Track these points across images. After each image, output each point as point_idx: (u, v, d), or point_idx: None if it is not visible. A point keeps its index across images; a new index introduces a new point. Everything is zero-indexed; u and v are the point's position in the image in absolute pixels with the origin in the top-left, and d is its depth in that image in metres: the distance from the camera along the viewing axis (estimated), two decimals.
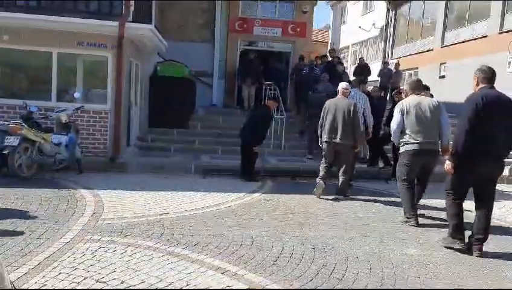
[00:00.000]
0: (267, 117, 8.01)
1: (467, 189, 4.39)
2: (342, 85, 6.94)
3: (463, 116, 4.19)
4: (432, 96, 6.78)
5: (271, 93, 11.50)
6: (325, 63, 12.88)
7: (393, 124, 5.44)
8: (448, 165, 4.30)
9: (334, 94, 7.33)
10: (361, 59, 15.68)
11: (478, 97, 4.16)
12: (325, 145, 6.70)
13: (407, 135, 5.28)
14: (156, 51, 11.16)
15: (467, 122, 4.09)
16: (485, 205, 4.32)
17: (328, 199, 6.50)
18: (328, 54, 14.43)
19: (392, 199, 6.58)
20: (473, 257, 4.28)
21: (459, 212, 4.42)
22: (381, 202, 6.55)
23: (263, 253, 4.07)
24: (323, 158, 6.81)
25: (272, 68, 13.39)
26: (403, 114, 5.32)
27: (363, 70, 14.43)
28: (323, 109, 6.76)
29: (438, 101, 5.47)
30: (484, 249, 4.34)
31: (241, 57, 13.99)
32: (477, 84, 4.33)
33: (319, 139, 6.89)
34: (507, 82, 12.60)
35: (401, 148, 5.44)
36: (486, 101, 4.10)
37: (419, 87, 5.66)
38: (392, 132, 5.55)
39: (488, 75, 4.28)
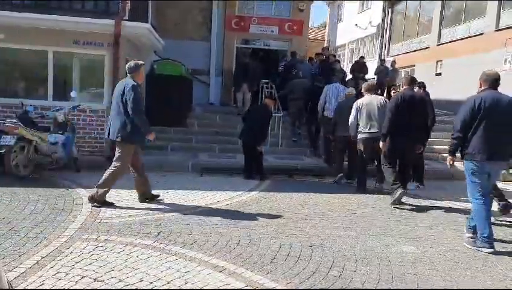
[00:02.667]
0: (269, 116, 8.04)
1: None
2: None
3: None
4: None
5: (267, 91, 11.53)
6: (319, 60, 12.90)
7: (351, 118, 6.88)
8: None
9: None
10: (361, 57, 15.69)
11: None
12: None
13: (361, 127, 6.75)
14: (152, 50, 11.15)
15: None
16: None
17: (325, 197, 6.52)
18: (322, 52, 14.45)
19: (389, 197, 6.58)
20: (470, 255, 4.31)
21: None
22: (378, 199, 6.57)
23: (261, 251, 4.08)
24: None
25: (268, 66, 13.40)
26: (357, 110, 6.77)
27: (361, 68, 14.46)
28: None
29: (385, 100, 6.92)
30: (484, 248, 4.35)
31: (237, 61, 13.59)
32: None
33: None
34: (503, 79, 12.67)
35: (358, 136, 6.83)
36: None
37: (372, 89, 7.09)
38: (349, 124, 6.92)
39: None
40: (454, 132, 4.54)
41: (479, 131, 4.38)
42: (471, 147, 4.43)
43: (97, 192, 5.35)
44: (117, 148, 5.44)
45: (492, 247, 4.35)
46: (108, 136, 5.46)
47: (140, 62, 5.63)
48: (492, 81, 4.50)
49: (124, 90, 5.22)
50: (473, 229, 4.52)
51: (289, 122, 10.51)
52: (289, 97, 10.17)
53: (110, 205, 5.41)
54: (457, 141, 4.53)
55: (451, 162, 4.74)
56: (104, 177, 5.38)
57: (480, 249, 4.38)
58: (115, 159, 5.43)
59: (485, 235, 4.36)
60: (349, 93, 8.03)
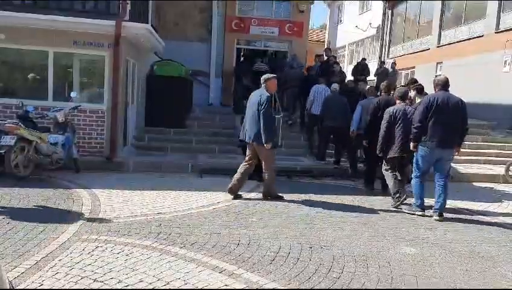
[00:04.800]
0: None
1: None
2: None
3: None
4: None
5: None
6: (319, 62, 12.89)
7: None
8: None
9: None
10: (363, 59, 15.71)
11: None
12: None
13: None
14: (152, 50, 11.15)
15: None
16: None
17: (325, 199, 6.52)
18: (324, 54, 14.45)
19: (389, 198, 6.59)
20: (470, 255, 4.31)
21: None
22: (378, 200, 6.57)
23: (260, 252, 4.08)
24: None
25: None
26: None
27: (363, 69, 14.47)
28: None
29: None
30: (483, 247, 4.34)
31: (237, 78, 12.80)
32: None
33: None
34: (503, 81, 12.69)
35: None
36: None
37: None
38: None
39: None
40: (415, 123, 5.64)
41: (431, 123, 5.51)
42: (426, 135, 5.58)
43: (268, 191, 6.27)
44: (258, 151, 6.14)
45: (423, 211, 5.77)
46: (244, 139, 6.29)
47: (272, 75, 6.39)
48: (443, 84, 5.67)
49: (260, 100, 5.90)
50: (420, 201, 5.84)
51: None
52: (284, 86, 10.89)
53: (281, 198, 6.26)
54: (417, 130, 5.61)
55: (414, 149, 5.76)
56: (265, 180, 6.27)
57: (414, 212, 5.79)
58: (263, 163, 6.22)
59: (418, 203, 5.85)
60: (334, 89, 9.07)
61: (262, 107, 5.85)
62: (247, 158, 6.34)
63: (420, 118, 5.58)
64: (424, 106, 5.58)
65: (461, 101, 5.64)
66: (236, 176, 6.25)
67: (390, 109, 6.33)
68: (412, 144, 5.75)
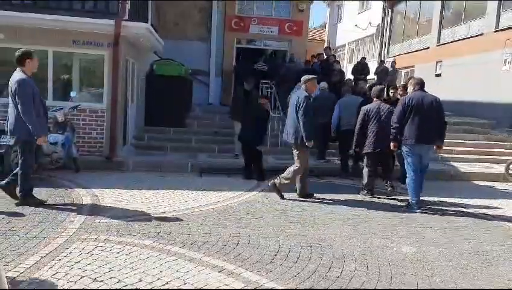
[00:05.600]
0: (266, 115, 8.05)
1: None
2: None
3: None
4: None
5: (267, 92, 11.58)
6: (319, 61, 12.91)
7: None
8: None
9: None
10: (363, 58, 15.71)
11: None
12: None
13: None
14: (152, 50, 11.14)
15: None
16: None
17: (324, 197, 6.52)
18: (323, 52, 14.46)
19: (391, 198, 6.60)
20: (469, 254, 4.31)
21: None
22: (377, 199, 6.57)
23: (260, 251, 4.08)
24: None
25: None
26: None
27: (363, 68, 14.47)
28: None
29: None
30: (483, 246, 4.34)
31: (236, 85, 12.53)
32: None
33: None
34: (502, 80, 12.68)
35: None
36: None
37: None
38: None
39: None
40: (393, 123, 6.01)
41: (410, 122, 5.87)
42: (405, 134, 5.92)
43: (280, 184, 6.32)
44: (294, 150, 6.32)
45: (420, 208, 5.91)
46: (286, 139, 6.47)
47: (312, 76, 6.61)
48: (420, 84, 6.05)
49: (298, 100, 6.14)
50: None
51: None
52: (281, 79, 11.52)
53: (311, 195, 6.44)
54: (396, 130, 5.99)
55: (395, 148, 6.16)
56: (285, 173, 6.31)
57: (412, 210, 5.89)
58: (295, 159, 6.34)
59: (414, 201, 5.97)
60: (322, 88, 9.34)
61: (301, 107, 6.05)
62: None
63: (398, 118, 5.97)
64: (401, 107, 5.96)
65: (436, 99, 5.99)
66: (297, 180, 6.44)
67: (365, 107, 6.84)
68: (392, 144, 6.12)
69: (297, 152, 6.29)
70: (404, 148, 6.03)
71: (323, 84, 9.41)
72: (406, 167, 6.23)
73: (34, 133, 5.06)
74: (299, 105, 6.09)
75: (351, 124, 7.40)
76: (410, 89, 6.17)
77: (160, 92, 10.34)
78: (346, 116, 8.18)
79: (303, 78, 6.51)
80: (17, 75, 5.23)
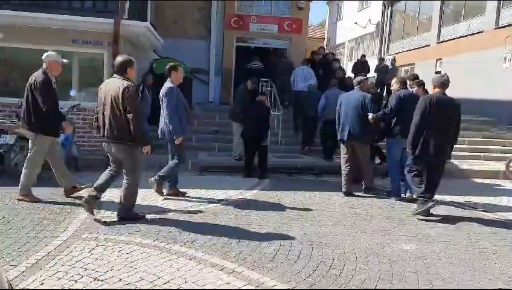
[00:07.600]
0: (266, 111, 8.05)
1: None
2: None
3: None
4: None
5: (267, 90, 11.57)
6: (319, 59, 12.87)
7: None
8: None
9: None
10: (363, 56, 15.67)
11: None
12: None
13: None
14: (151, 48, 11.13)
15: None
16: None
17: (325, 196, 6.52)
18: (318, 51, 14.41)
19: (390, 197, 6.59)
20: (471, 254, 4.31)
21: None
22: (378, 197, 6.57)
23: (261, 250, 4.08)
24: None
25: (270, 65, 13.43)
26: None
27: (363, 66, 14.44)
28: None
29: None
30: (484, 243, 4.34)
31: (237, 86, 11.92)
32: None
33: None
34: (502, 77, 12.67)
35: None
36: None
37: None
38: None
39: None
40: (387, 111, 6.43)
41: (398, 117, 6.32)
42: (393, 128, 6.40)
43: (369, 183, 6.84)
44: (358, 147, 6.71)
45: (400, 197, 6.45)
46: (343, 138, 6.76)
47: (364, 77, 7.33)
48: (405, 83, 6.66)
49: (363, 100, 6.60)
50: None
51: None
52: (277, 74, 12.18)
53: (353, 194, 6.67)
54: (384, 115, 6.47)
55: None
56: (365, 174, 6.84)
57: (390, 197, 6.47)
58: (361, 159, 6.77)
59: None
60: (310, 84, 10.21)
61: (371, 107, 6.58)
62: (347, 157, 6.79)
63: (392, 109, 6.45)
64: (395, 101, 6.43)
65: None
66: (343, 177, 6.77)
67: (341, 96, 7.11)
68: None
69: (362, 148, 6.73)
70: (390, 140, 6.57)
71: (314, 81, 10.47)
72: (387, 157, 6.83)
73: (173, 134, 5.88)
74: (366, 105, 6.56)
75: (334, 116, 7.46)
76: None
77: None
78: (330, 107, 8.35)
79: (356, 80, 7.11)
80: (167, 84, 6.22)
